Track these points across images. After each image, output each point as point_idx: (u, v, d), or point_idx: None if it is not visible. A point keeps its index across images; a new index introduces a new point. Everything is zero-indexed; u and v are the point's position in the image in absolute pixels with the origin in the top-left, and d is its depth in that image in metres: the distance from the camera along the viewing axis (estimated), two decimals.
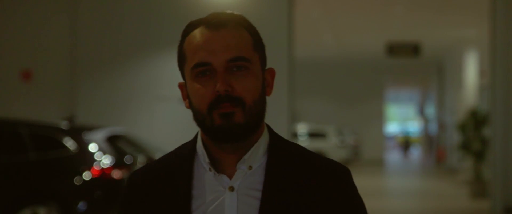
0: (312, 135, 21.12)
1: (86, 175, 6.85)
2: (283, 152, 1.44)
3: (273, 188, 1.41)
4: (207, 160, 1.42)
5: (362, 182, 16.43)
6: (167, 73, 10.32)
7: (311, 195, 1.39)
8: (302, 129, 20.63)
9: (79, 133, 7.10)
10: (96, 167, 6.88)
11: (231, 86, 1.39)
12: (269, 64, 1.51)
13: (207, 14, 1.47)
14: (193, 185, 1.43)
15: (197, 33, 1.43)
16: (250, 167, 1.43)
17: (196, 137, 1.49)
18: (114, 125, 8.75)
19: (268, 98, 1.47)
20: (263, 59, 1.47)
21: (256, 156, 1.43)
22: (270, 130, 1.47)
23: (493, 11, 10.66)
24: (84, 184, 6.82)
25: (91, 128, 7.41)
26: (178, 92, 1.47)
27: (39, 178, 6.97)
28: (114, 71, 10.61)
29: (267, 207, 1.39)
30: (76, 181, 6.84)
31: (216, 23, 1.41)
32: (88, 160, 6.89)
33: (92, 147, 7.02)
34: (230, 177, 1.42)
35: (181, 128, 9.79)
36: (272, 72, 1.48)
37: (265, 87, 1.46)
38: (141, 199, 1.45)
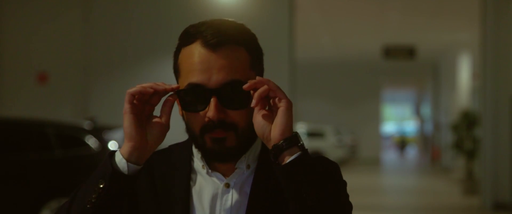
0: (311, 134, 21.03)
1: None
2: None
3: (260, 186, 1.40)
4: (199, 155, 1.42)
5: (359, 180, 16.58)
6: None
7: None
8: (301, 128, 20.52)
9: (100, 132, 7.46)
10: None
11: (224, 112, 1.34)
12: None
13: (211, 18, 1.42)
14: (191, 179, 1.43)
15: (193, 49, 1.36)
16: (248, 166, 1.42)
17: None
18: (120, 124, 8.92)
19: None
20: (259, 73, 1.41)
21: (253, 157, 1.42)
22: None
23: (483, 17, 10.80)
24: None
25: (111, 128, 7.74)
26: None
27: (65, 173, 7.34)
28: (125, 74, 10.73)
29: (254, 203, 1.39)
30: None
31: (213, 42, 1.33)
32: None
33: (112, 145, 7.36)
34: (224, 175, 1.41)
35: None
36: None
37: None
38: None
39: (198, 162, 1.44)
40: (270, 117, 1.33)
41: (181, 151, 1.47)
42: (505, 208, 10.59)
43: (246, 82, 1.33)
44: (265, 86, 1.31)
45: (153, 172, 1.43)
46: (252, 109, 1.34)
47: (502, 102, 10.71)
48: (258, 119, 1.33)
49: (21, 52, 10.92)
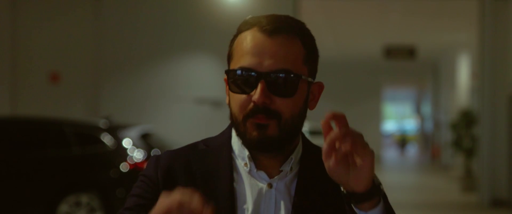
0: (313, 132, 20.97)
1: (122, 167, 7.49)
2: (315, 157, 1.38)
3: (305, 189, 1.37)
4: (247, 153, 1.36)
5: None
6: (183, 76, 10.63)
7: (338, 198, 1.32)
8: (304, 126, 20.52)
9: (115, 130, 7.74)
10: (129, 161, 7.52)
11: (270, 98, 1.30)
12: None
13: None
14: (234, 180, 1.37)
15: (249, 34, 1.33)
16: (291, 169, 1.38)
17: (228, 132, 1.42)
18: (133, 123, 8.96)
19: None
20: (312, 71, 1.37)
21: (295, 160, 1.39)
22: (303, 136, 1.44)
23: (482, 18, 10.94)
24: (120, 175, 7.48)
25: (125, 126, 8.00)
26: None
27: (82, 169, 7.65)
28: (135, 73, 10.90)
29: (299, 207, 1.35)
30: (113, 172, 7.51)
31: (270, 28, 1.31)
32: (123, 154, 7.54)
33: (126, 143, 7.65)
34: (268, 175, 1.37)
35: (195, 126, 10.37)
36: (320, 86, 1.42)
37: (309, 100, 1.39)
38: (171, 184, 1.35)
39: (240, 161, 1.38)
40: (346, 162, 1.25)
41: (220, 148, 1.41)
42: (502, 204, 10.79)
43: (296, 73, 1.31)
44: (349, 142, 1.24)
45: (193, 171, 1.37)
46: (298, 100, 1.34)
47: (500, 102, 10.87)
48: (332, 165, 1.24)
49: (33, 53, 11.08)
